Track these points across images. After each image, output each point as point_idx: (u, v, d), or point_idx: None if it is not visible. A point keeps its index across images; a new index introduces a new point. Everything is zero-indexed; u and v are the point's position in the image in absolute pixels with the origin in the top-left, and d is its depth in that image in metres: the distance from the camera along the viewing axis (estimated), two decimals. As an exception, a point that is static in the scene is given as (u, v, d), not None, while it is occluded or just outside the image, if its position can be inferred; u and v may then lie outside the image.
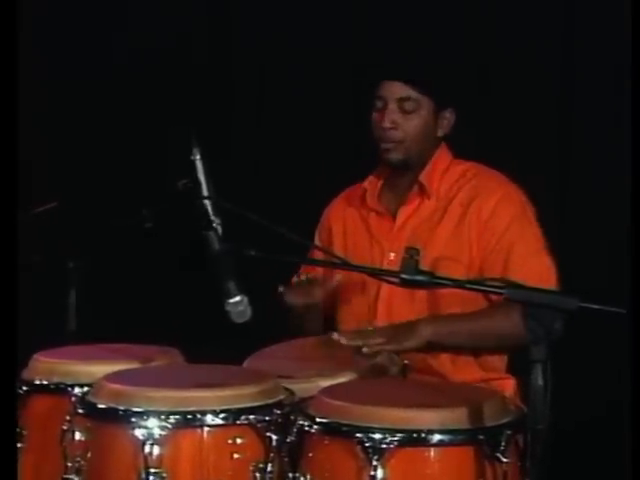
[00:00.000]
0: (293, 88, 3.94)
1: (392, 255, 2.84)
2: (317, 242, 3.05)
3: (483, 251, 2.77)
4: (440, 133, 2.89)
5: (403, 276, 2.15)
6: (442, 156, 2.91)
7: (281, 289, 2.83)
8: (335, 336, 2.58)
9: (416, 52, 2.88)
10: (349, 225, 3.01)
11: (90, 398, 2.34)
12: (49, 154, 4.17)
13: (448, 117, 2.87)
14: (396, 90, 2.81)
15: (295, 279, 2.86)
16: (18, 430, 2.51)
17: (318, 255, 2.95)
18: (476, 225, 2.79)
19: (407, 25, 3.64)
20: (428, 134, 2.86)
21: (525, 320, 2.00)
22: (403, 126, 2.82)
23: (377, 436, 2.08)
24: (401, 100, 2.81)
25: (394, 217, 2.91)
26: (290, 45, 3.92)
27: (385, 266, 2.80)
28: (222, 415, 2.22)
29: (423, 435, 2.09)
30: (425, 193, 2.88)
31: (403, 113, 2.82)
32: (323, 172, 3.71)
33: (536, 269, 2.69)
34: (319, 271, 3.02)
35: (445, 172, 2.89)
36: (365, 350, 2.55)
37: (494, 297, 2.64)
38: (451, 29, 3.61)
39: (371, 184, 2.97)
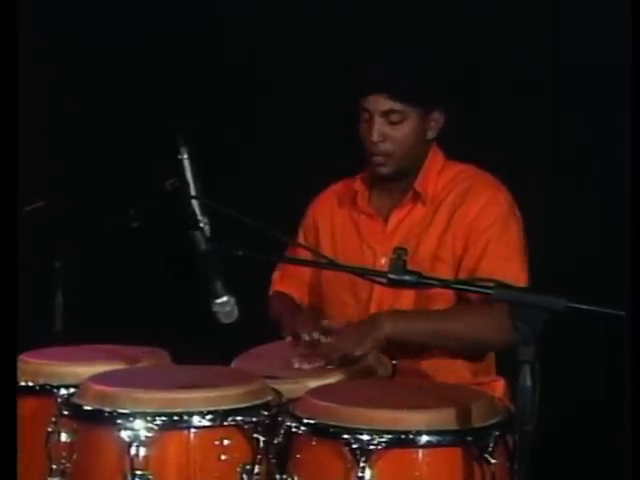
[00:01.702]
0: (282, 88, 3.93)
1: (384, 260, 2.80)
2: (301, 240, 3.04)
3: (463, 247, 2.76)
4: (430, 135, 2.86)
5: (391, 276, 2.14)
6: (435, 159, 2.89)
7: (288, 339, 2.80)
8: (296, 365, 2.56)
9: (400, 62, 2.84)
10: (338, 226, 2.99)
11: (76, 399, 2.32)
12: (35, 153, 4.15)
13: (437, 118, 2.85)
14: (381, 103, 2.78)
15: (306, 337, 2.76)
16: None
17: (301, 252, 2.94)
18: (462, 226, 2.78)
19: (392, 31, 3.64)
20: (418, 141, 2.83)
21: (512, 321, 2.00)
22: (391, 137, 2.79)
23: (365, 437, 2.07)
24: (387, 113, 2.78)
25: (385, 220, 2.89)
26: (281, 41, 3.92)
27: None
28: (209, 416, 2.21)
29: (411, 436, 2.08)
30: (419, 199, 2.86)
31: (390, 124, 2.79)
32: (312, 172, 3.69)
33: (505, 273, 2.62)
34: (305, 270, 3.02)
35: (439, 175, 2.87)
36: (330, 367, 2.54)
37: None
38: (440, 29, 3.61)
39: (362, 185, 2.95)
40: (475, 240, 2.75)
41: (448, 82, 3.09)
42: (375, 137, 2.79)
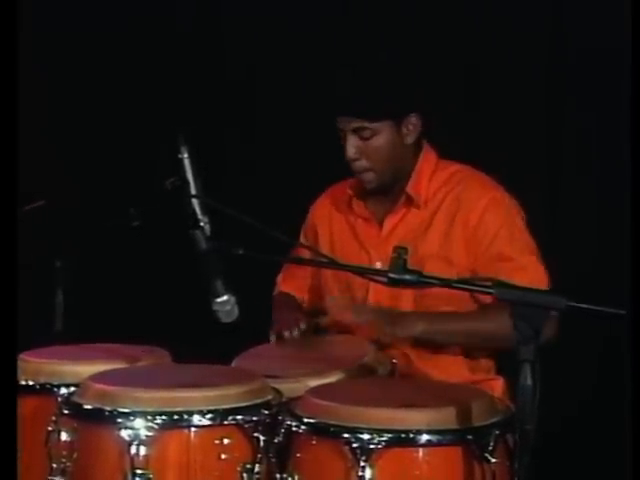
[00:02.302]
0: (282, 88, 3.93)
1: (378, 264, 2.79)
2: (303, 240, 3.04)
3: (473, 258, 2.74)
4: (409, 140, 2.81)
5: (391, 275, 2.14)
6: (426, 161, 2.86)
7: (272, 338, 2.82)
8: (329, 302, 2.58)
9: (364, 81, 2.80)
10: (335, 229, 2.98)
11: (76, 399, 2.33)
12: (35, 153, 4.15)
13: (414, 122, 2.80)
14: (350, 123, 2.75)
15: (287, 334, 2.80)
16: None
17: (304, 253, 2.94)
18: (464, 232, 2.76)
19: (363, 40, 3.62)
20: (395, 149, 2.79)
21: (513, 319, 2.00)
22: (366, 152, 2.77)
23: (365, 436, 2.07)
24: (357, 130, 2.76)
25: (380, 224, 2.88)
26: (281, 44, 3.92)
27: None
28: (209, 415, 2.22)
29: (411, 435, 2.08)
30: (413, 203, 2.84)
31: (363, 140, 2.76)
32: (312, 171, 3.69)
33: (527, 274, 2.65)
34: (307, 271, 3.02)
35: (431, 177, 2.85)
36: (350, 318, 2.57)
37: (481, 297, 2.63)
38: (438, 30, 3.61)
39: (357, 190, 2.92)
40: (486, 252, 2.72)
41: (423, 84, 3.06)
42: (350, 154, 2.77)
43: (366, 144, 2.76)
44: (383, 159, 2.78)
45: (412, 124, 2.80)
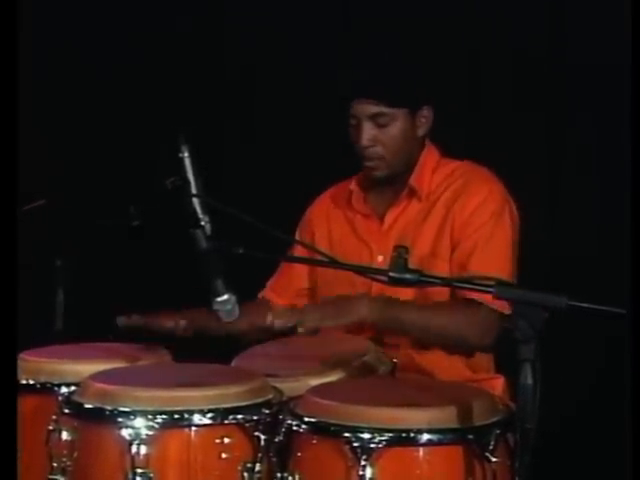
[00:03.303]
0: (282, 87, 3.93)
1: (380, 258, 2.83)
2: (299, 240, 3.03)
3: (457, 240, 2.76)
4: (420, 133, 2.86)
5: (392, 274, 2.14)
6: (430, 156, 2.89)
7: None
8: (269, 318, 2.56)
9: (385, 67, 2.83)
10: (334, 227, 2.99)
11: (76, 398, 2.32)
12: (35, 153, 4.15)
13: (426, 115, 2.84)
14: (367, 108, 2.77)
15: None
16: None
17: (301, 253, 2.94)
18: (458, 223, 2.78)
19: (378, 32, 3.63)
20: (408, 139, 2.82)
21: (513, 318, 2.00)
22: (381, 140, 2.79)
23: (365, 436, 2.07)
24: (374, 116, 2.78)
25: (381, 219, 2.90)
26: (281, 43, 3.92)
27: None
28: (210, 415, 2.21)
29: (412, 435, 2.08)
30: (415, 195, 2.86)
31: (379, 127, 2.79)
32: (312, 171, 3.70)
33: (492, 268, 2.62)
34: (300, 278, 3.01)
35: (434, 172, 2.88)
36: (300, 330, 2.56)
37: (462, 295, 2.64)
38: (439, 25, 3.61)
39: (357, 186, 2.94)
40: (468, 235, 2.76)
41: (437, 78, 3.08)
42: (365, 142, 2.78)
43: (381, 132, 2.78)
44: (396, 148, 2.80)
45: (424, 116, 2.83)
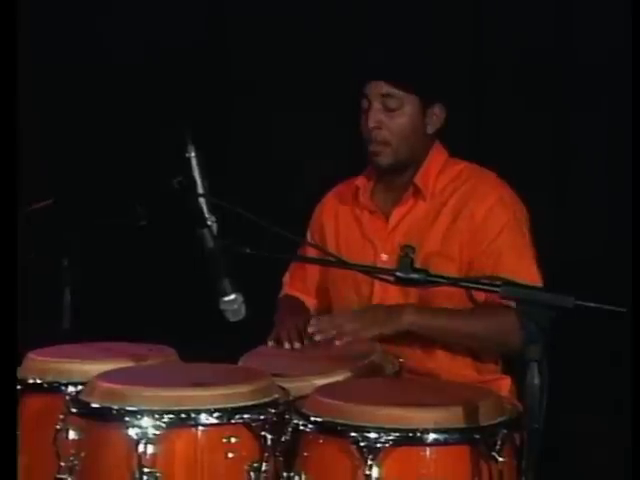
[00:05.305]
0: (288, 86, 3.93)
1: (385, 257, 2.83)
2: (310, 239, 3.04)
3: (473, 254, 2.75)
4: (430, 130, 2.86)
5: (398, 274, 2.14)
6: (437, 156, 2.89)
7: (270, 344, 2.79)
8: (310, 329, 2.60)
9: (400, 51, 2.87)
10: (341, 223, 3.00)
11: (83, 397, 2.32)
12: (43, 152, 4.16)
13: (437, 113, 2.84)
14: (379, 88, 2.80)
15: (287, 346, 2.77)
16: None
17: (311, 252, 2.95)
18: (468, 228, 2.77)
19: (394, 21, 3.63)
20: (416, 132, 2.83)
21: (520, 318, 1.99)
22: (388, 125, 2.80)
23: (372, 435, 2.07)
24: (384, 97, 2.79)
25: (387, 217, 2.89)
26: (286, 41, 3.92)
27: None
28: (216, 414, 2.21)
29: (418, 434, 2.08)
30: (420, 195, 2.86)
31: (387, 111, 2.80)
32: (318, 169, 3.70)
33: (523, 278, 2.64)
34: (314, 272, 3.02)
35: (440, 173, 2.87)
36: (337, 342, 2.57)
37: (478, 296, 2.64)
38: (444, 25, 3.61)
39: (364, 182, 2.95)
40: (487, 249, 2.74)
41: (450, 77, 3.09)
42: (371, 123, 2.80)
43: (389, 116, 2.80)
44: (402, 136, 2.81)
45: (436, 114, 2.84)
